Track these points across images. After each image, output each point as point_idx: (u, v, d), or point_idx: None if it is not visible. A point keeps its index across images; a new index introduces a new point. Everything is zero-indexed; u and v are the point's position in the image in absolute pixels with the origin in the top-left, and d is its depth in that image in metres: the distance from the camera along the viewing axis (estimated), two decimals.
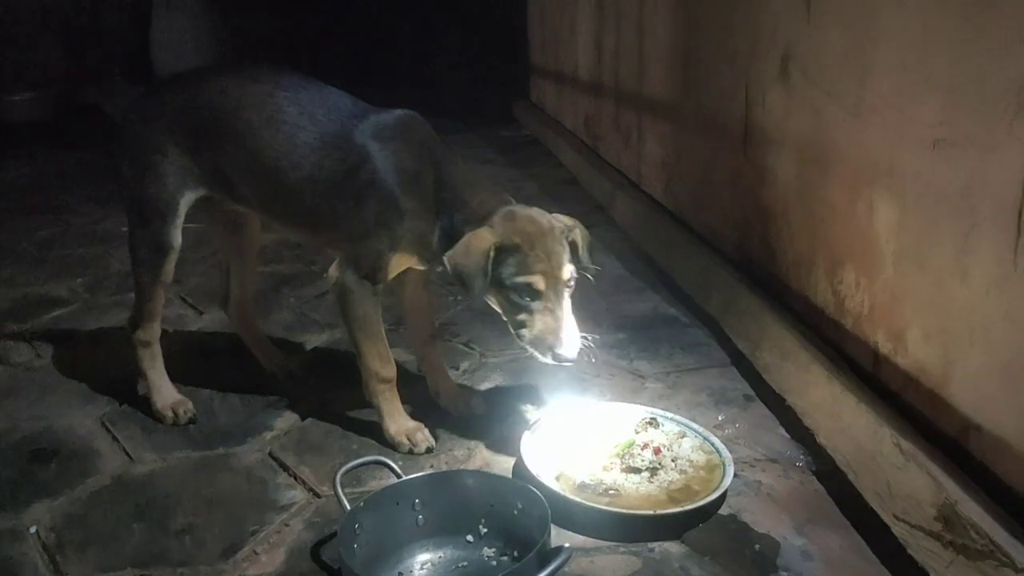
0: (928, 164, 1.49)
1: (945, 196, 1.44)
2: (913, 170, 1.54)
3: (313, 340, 2.44)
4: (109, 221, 3.79)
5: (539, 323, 1.57)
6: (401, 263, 1.72)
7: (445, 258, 1.59)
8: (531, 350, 1.60)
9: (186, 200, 1.83)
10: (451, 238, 1.62)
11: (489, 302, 1.65)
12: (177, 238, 1.84)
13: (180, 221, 1.84)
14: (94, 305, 2.76)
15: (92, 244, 3.46)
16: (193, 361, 2.22)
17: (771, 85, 2.17)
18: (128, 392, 2.05)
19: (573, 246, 1.65)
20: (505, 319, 1.63)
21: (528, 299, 1.57)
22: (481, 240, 1.56)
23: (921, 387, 1.53)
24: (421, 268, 1.79)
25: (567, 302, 1.60)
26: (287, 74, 1.82)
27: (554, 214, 1.67)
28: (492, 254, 1.55)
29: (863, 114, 1.71)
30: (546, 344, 1.57)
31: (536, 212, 1.64)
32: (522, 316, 1.59)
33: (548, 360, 1.58)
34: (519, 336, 1.61)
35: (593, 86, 4.39)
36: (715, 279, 2.45)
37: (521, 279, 1.55)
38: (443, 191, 1.66)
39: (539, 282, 1.56)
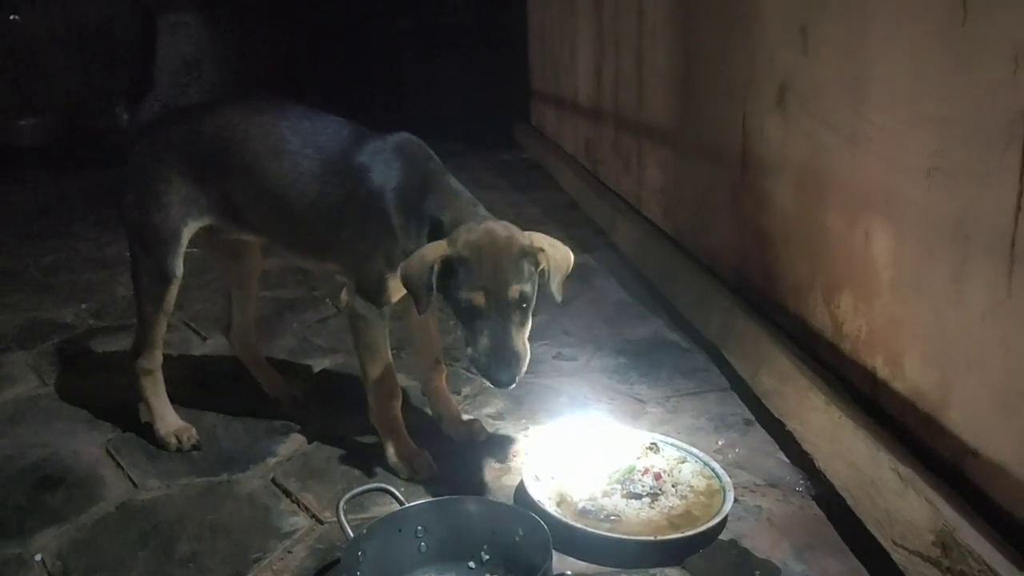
0: (923, 193, 1.51)
1: (940, 224, 1.46)
2: (909, 198, 1.56)
3: (316, 365, 2.45)
4: (115, 246, 3.82)
5: (480, 342, 1.50)
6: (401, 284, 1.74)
7: (401, 264, 1.58)
8: (474, 370, 1.55)
9: (190, 229, 1.86)
10: None
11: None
12: (180, 267, 1.87)
13: (183, 250, 1.87)
14: (100, 330, 2.78)
15: (98, 269, 3.48)
16: (196, 387, 2.23)
17: (768, 114, 2.20)
18: (133, 418, 2.06)
19: (535, 267, 1.56)
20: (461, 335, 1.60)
21: (472, 316, 1.51)
22: (431, 252, 1.53)
23: (919, 412, 1.55)
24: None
25: (514, 323, 1.51)
26: (290, 105, 1.85)
27: (534, 233, 1.61)
28: (436, 267, 1.51)
29: (859, 143, 1.74)
30: (481, 365, 1.51)
31: (501, 226, 1.57)
32: (468, 333, 1.54)
33: (488, 383, 1.52)
34: (467, 354, 1.55)
35: (593, 111, 4.43)
36: (714, 304, 2.47)
37: (463, 294, 1.50)
38: (430, 208, 1.67)
39: (479, 298, 1.49)
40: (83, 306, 3.02)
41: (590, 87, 4.47)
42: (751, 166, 2.36)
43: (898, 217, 1.61)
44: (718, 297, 2.47)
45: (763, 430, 1.96)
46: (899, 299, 1.62)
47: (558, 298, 1.59)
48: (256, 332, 2.22)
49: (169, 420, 1.95)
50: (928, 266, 1.51)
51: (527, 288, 1.52)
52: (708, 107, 2.70)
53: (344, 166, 1.73)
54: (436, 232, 1.63)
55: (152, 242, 1.85)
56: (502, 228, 1.57)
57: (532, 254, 1.55)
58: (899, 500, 1.41)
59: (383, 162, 1.72)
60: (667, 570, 1.47)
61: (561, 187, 4.87)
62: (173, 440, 1.92)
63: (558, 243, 1.63)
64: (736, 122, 2.44)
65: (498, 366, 1.48)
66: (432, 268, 1.51)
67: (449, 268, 1.52)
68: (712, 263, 2.72)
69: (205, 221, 1.87)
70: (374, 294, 1.71)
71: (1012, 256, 1.27)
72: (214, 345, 2.60)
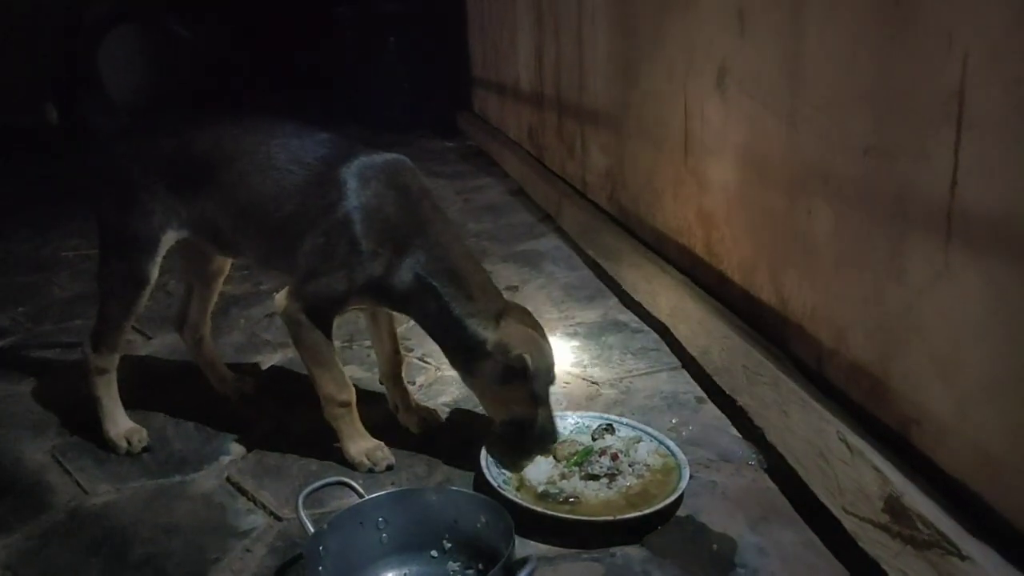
0: (860, 171, 1.55)
1: (879, 201, 1.50)
2: (847, 176, 1.60)
3: (265, 361, 2.42)
4: (49, 247, 3.71)
5: (543, 415, 1.71)
6: (355, 304, 1.75)
7: (527, 359, 1.63)
8: (537, 444, 1.73)
9: (167, 239, 1.83)
10: (421, 295, 1.69)
11: (476, 393, 1.77)
12: (155, 273, 1.84)
13: (159, 258, 1.84)
14: (38, 334, 2.70)
15: (33, 272, 3.38)
16: (143, 387, 2.19)
17: (708, 97, 2.24)
18: (78, 423, 2.02)
19: None
20: (517, 418, 1.72)
21: (547, 390, 1.72)
22: (539, 340, 1.69)
23: (863, 384, 1.60)
24: (383, 309, 1.84)
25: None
26: (282, 123, 1.82)
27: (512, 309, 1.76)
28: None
29: (797, 123, 1.78)
30: (546, 434, 1.72)
31: (530, 323, 1.73)
32: (536, 409, 1.70)
33: (542, 450, 1.73)
34: (529, 436, 1.72)
35: (535, 97, 4.44)
36: (662, 284, 2.51)
37: (552, 374, 1.72)
38: (418, 243, 1.68)
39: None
40: (20, 309, 2.93)
41: (531, 73, 4.47)
42: (693, 148, 2.39)
43: (837, 195, 1.65)
44: (665, 277, 2.50)
45: (715, 406, 2.00)
46: (841, 276, 1.66)
47: None
48: (209, 329, 2.18)
49: (120, 422, 1.91)
50: (868, 242, 1.55)
51: None
52: (649, 91, 2.73)
53: (328, 180, 1.69)
54: (462, 299, 1.68)
55: (128, 247, 1.81)
56: (532, 325, 1.72)
57: None
58: (848, 469, 1.46)
59: (368, 182, 1.69)
60: (627, 548, 1.49)
61: (507, 173, 4.87)
62: (124, 443, 1.88)
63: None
64: (677, 105, 2.47)
65: (555, 428, 1.75)
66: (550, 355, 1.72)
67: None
68: (658, 244, 2.75)
69: (183, 235, 1.85)
70: (320, 308, 1.70)
71: (949, 231, 1.32)
72: (159, 344, 2.55)
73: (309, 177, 1.71)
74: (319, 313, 1.70)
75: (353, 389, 1.78)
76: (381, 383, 2.01)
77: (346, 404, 1.77)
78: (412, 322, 1.97)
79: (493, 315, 1.67)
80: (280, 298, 1.73)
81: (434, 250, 1.68)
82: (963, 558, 1.19)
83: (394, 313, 1.93)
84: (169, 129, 1.86)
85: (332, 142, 1.77)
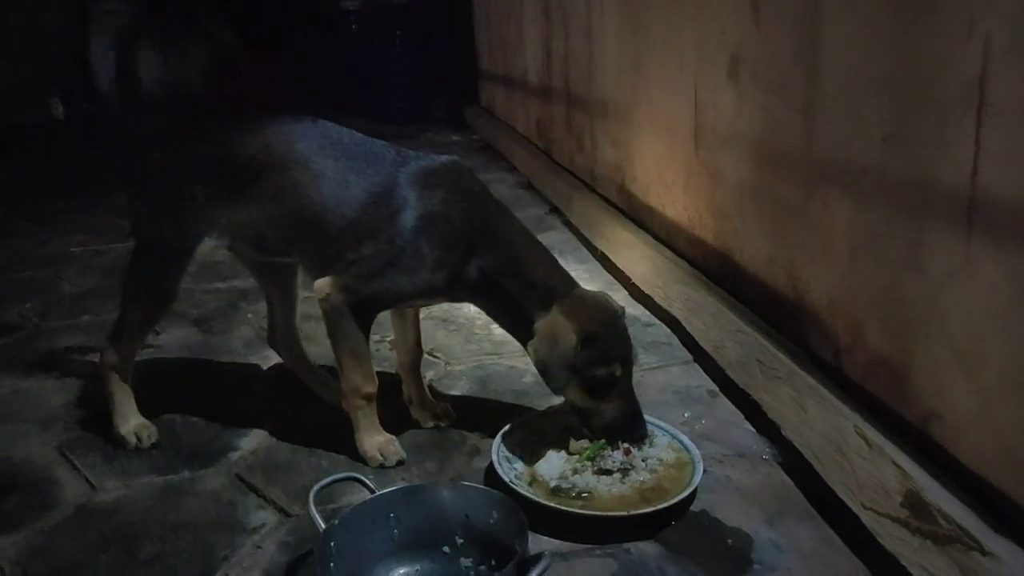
0: (879, 161, 1.52)
1: (897, 191, 1.48)
2: (864, 166, 1.58)
3: (273, 356, 2.40)
4: (54, 243, 3.71)
5: (611, 411, 1.66)
6: (410, 304, 1.77)
7: (530, 350, 1.65)
8: (601, 437, 1.67)
9: (203, 249, 1.80)
10: (485, 290, 1.70)
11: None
12: (179, 288, 1.81)
13: (189, 268, 1.80)
14: (46, 330, 2.69)
15: (39, 267, 3.37)
16: (151, 383, 2.17)
17: (721, 87, 2.21)
18: (87, 418, 2.01)
19: None
20: (575, 405, 1.69)
21: (606, 386, 1.64)
22: (565, 333, 1.61)
23: (882, 377, 1.57)
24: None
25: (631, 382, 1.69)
26: (328, 129, 1.79)
27: (599, 294, 1.75)
28: (578, 348, 1.59)
29: (813, 113, 1.75)
30: (617, 429, 1.66)
31: (600, 296, 1.72)
32: (593, 403, 1.66)
33: (618, 447, 1.66)
34: (589, 426, 1.68)
35: (543, 90, 4.41)
36: (673, 277, 2.48)
37: (602, 370, 1.61)
38: (483, 243, 1.69)
39: (618, 370, 1.63)
40: (27, 305, 2.92)
41: (539, 66, 4.45)
42: (705, 140, 2.37)
43: (855, 186, 1.62)
44: (677, 270, 2.48)
45: (728, 401, 1.98)
46: (859, 268, 1.64)
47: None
48: (299, 336, 2.12)
49: (130, 418, 1.90)
50: (887, 233, 1.53)
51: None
52: (660, 82, 2.70)
53: (390, 188, 1.69)
54: (525, 291, 1.67)
55: (159, 257, 1.80)
56: (603, 297, 1.73)
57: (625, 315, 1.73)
58: (866, 464, 1.44)
59: (434, 189, 1.69)
60: (642, 544, 1.48)
61: (514, 167, 4.85)
62: (133, 438, 1.87)
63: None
64: (688, 96, 2.44)
65: (636, 425, 1.67)
66: (576, 349, 1.59)
67: (581, 346, 1.60)
68: (669, 237, 2.73)
69: (222, 243, 1.82)
70: (371, 306, 1.70)
71: (970, 221, 1.29)
72: (167, 339, 2.54)
73: (368, 186, 1.70)
74: (367, 309, 1.70)
75: (377, 382, 1.76)
76: (397, 372, 1.99)
77: (370, 396, 1.75)
78: (421, 316, 1.95)
79: (544, 308, 1.67)
80: (323, 285, 1.69)
81: (499, 247, 1.70)
82: (985, 554, 1.17)
83: (413, 312, 1.93)
84: (211, 135, 1.82)
85: (387, 148, 1.77)
